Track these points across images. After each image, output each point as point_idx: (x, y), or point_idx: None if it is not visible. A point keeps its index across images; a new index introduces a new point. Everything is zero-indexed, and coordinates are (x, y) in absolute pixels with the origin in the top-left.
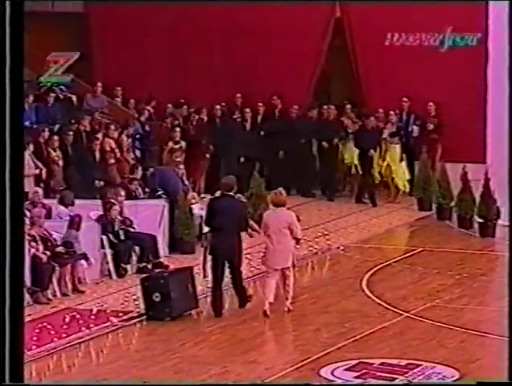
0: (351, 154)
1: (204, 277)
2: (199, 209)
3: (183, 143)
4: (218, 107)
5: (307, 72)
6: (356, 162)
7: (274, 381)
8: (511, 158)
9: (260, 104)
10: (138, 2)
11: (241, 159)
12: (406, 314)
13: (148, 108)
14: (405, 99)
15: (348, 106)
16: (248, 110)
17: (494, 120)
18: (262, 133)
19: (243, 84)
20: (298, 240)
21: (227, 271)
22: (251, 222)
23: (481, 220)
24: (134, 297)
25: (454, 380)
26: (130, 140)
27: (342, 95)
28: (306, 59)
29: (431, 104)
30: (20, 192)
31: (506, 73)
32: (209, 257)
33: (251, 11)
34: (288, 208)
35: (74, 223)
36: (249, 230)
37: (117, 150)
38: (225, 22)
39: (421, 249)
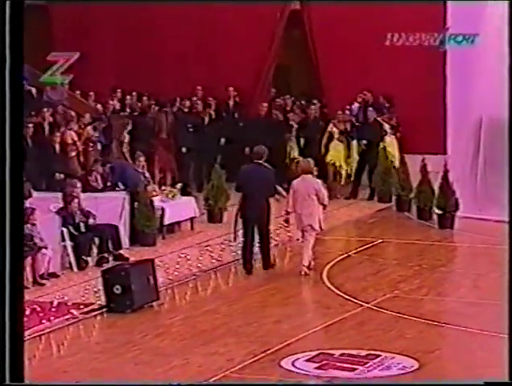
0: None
1: (234, 239)
2: (159, 201)
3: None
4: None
5: (264, 64)
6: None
7: (235, 373)
8: (511, 156)
9: (211, 98)
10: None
11: (202, 151)
12: (366, 305)
13: (111, 101)
14: (365, 92)
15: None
16: (200, 102)
17: (454, 112)
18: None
19: (202, 76)
20: (324, 206)
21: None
22: (278, 188)
23: (439, 212)
24: (95, 289)
25: (413, 370)
26: (93, 133)
27: (301, 87)
28: (261, 51)
29: (386, 98)
30: (20, 192)
31: (463, 69)
32: (240, 221)
33: (210, 5)
34: None
35: (25, 215)
36: (277, 195)
37: (78, 143)
38: (183, 15)
39: (380, 241)
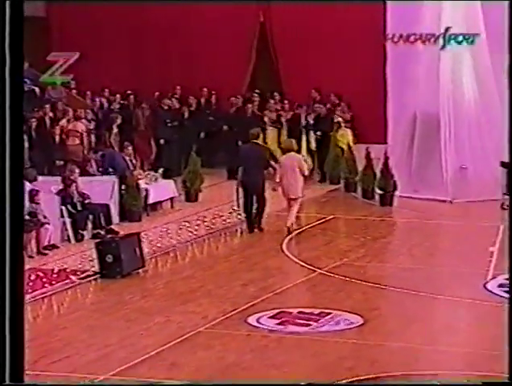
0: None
1: (238, 206)
2: (144, 184)
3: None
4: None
5: (241, 68)
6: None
7: (209, 328)
8: (511, 154)
9: (191, 97)
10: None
11: (182, 142)
12: (319, 271)
13: (102, 98)
14: (312, 90)
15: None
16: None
17: (393, 107)
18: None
19: (184, 77)
20: (305, 177)
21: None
22: (271, 162)
23: (380, 192)
24: (90, 258)
25: (358, 325)
26: (88, 125)
27: (267, 88)
28: (239, 57)
29: (336, 95)
30: (21, 192)
31: (401, 70)
32: (241, 191)
33: (194, 13)
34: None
35: (31, 196)
36: (270, 169)
37: (76, 133)
38: (171, 21)
39: (331, 217)
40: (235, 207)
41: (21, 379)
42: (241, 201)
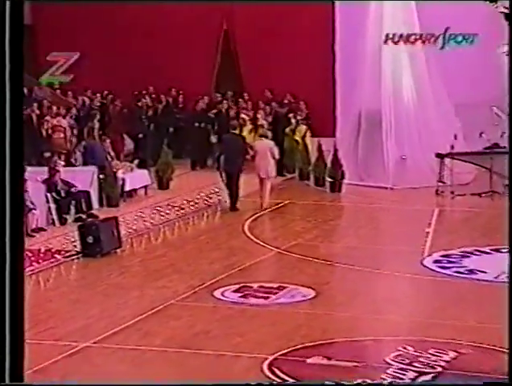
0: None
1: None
2: (121, 173)
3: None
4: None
5: (207, 71)
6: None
7: (179, 301)
8: (511, 152)
9: (162, 95)
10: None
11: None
12: (277, 250)
13: (84, 98)
14: (266, 90)
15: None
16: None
17: (341, 106)
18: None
19: (156, 78)
20: (276, 160)
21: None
22: (249, 149)
23: (330, 180)
24: (73, 239)
25: (311, 298)
26: (70, 121)
27: (231, 89)
28: (206, 60)
29: (291, 95)
30: (21, 193)
31: (348, 72)
32: (224, 174)
33: (166, 18)
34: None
35: None
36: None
37: (60, 128)
38: (145, 27)
39: (287, 202)
40: (217, 189)
41: (21, 379)
42: (224, 184)
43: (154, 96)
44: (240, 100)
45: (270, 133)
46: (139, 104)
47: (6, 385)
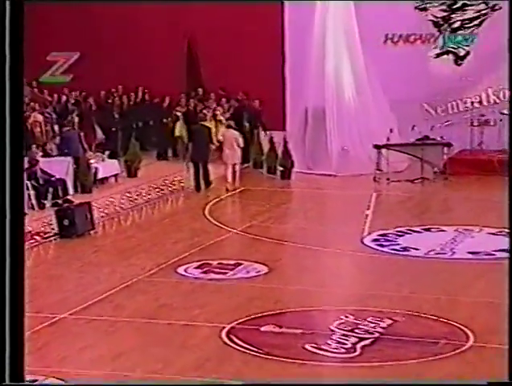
0: (180, 129)
1: (188, 170)
2: (94, 163)
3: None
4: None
5: (178, 73)
6: (184, 134)
7: (147, 277)
8: (511, 149)
9: (131, 94)
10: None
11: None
12: (235, 231)
13: (62, 95)
14: (198, 89)
15: (183, 95)
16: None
17: (291, 103)
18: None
19: (125, 78)
20: (241, 148)
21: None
22: (214, 139)
23: (281, 168)
24: (50, 222)
25: (265, 273)
26: (47, 116)
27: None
28: (172, 62)
29: (244, 93)
30: (21, 193)
31: (296, 71)
32: (192, 161)
33: (136, 22)
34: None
35: None
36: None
37: (37, 123)
38: (116, 31)
39: (243, 188)
40: (180, 177)
41: (21, 379)
42: (192, 170)
43: (120, 94)
44: (202, 98)
45: (233, 123)
46: (109, 101)
47: (5, 385)
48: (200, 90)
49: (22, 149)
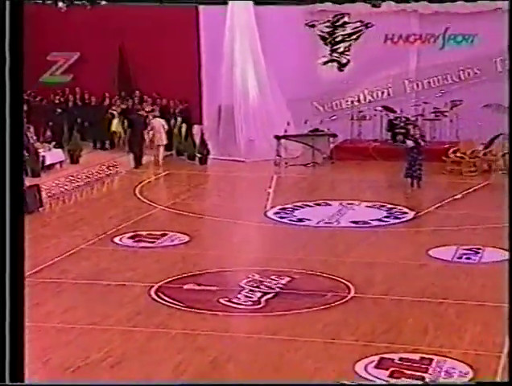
0: (116, 125)
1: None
2: (42, 152)
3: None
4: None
5: (109, 75)
6: (119, 130)
7: (88, 246)
8: (511, 148)
9: (71, 95)
10: None
11: (68, 124)
12: (161, 207)
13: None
14: (137, 91)
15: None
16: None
17: (206, 101)
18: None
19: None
20: (165, 130)
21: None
22: (148, 126)
23: (199, 155)
24: None
25: (186, 241)
26: None
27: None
28: (108, 66)
29: (155, 93)
30: (21, 193)
31: (211, 73)
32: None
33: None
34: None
35: None
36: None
37: None
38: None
39: (168, 172)
40: (114, 163)
41: (21, 379)
42: (131, 154)
43: (65, 95)
44: (134, 97)
45: (158, 113)
46: (55, 100)
47: (6, 385)
48: (138, 92)
49: (23, 148)
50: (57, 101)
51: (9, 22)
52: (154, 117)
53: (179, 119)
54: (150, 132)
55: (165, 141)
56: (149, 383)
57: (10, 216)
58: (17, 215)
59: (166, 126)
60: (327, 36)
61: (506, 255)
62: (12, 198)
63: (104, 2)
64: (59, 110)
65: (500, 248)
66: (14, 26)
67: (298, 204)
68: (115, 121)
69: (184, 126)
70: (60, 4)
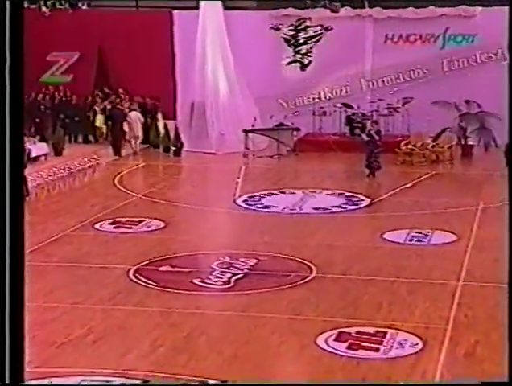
0: (100, 121)
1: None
2: (28, 145)
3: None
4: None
5: (88, 74)
6: (102, 125)
7: (71, 231)
8: (511, 146)
9: (56, 93)
10: None
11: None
12: (139, 196)
13: None
14: (121, 90)
15: (100, 94)
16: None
17: (180, 98)
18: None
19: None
20: (142, 122)
21: None
22: (127, 117)
23: (174, 148)
24: None
25: (161, 228)
26: None
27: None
28: (87, 66)
29: (125, 90)
30: (21, 192)
31: (185, 72)
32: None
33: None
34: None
35: None
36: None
37: None
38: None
39: (145, 164)
40: (95, 155)
41: (21, 379)
42: (111, 146)
43: (49, 93)
44: (113, 94)
45: (136, 108)
46: (39, 98)
47: (5, 385)
48: (121, 90)
49: (24, 147)
50: (42, 99)
51: (9, 22)
52: (131, 110)
53: (156, 115)
54: (128, 125)
55: (141, 132)
56: (149, 383)
57: (9, 202)
58: (17, 201)
59: (142, 119)
60: (290, 39)
61: (453, 237)
62: (12, 186)
63: (85, 7)
64: (42, 107)
65: (447, 231)
66: (15, 26)
67: (264, 193)
68: (98, 117)
69: (160, 121)
70: (44, 9)
